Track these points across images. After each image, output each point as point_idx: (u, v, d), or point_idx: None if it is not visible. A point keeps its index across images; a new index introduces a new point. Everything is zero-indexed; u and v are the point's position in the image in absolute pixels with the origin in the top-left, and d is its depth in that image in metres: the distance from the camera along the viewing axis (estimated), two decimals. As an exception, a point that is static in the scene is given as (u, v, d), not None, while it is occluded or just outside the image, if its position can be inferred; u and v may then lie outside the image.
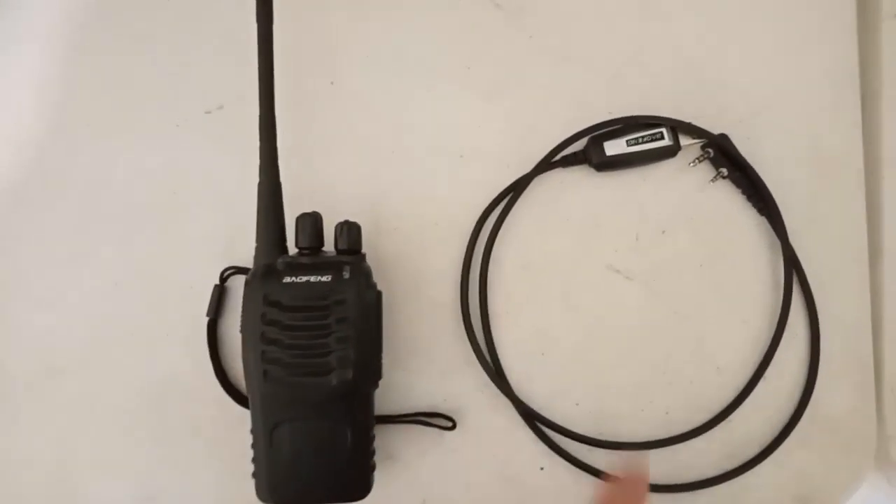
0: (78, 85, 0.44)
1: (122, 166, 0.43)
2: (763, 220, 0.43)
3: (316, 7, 0.44)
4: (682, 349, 0.42)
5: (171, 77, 0.44)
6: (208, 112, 0.43)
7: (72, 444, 0.41)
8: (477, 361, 0.41)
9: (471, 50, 0.44)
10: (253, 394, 0.35)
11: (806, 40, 0.45)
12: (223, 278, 0.41)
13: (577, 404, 0.42)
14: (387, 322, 0.39)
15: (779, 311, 0.42)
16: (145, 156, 0.43)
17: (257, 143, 0.38)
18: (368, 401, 0.37)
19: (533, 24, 0.45)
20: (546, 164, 0.42)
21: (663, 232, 0.43)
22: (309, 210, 0.38)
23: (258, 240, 0.38)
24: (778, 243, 0.42)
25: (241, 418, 0.37)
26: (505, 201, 0.42)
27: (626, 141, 0.42)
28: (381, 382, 0.38)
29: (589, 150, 0.42)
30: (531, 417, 0.41)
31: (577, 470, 0.41)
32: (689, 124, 0.42)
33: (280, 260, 0.36)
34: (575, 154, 0.42)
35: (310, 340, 0.35)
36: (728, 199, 0.43)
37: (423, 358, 0.42)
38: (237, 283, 0.41)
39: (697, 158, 0.43)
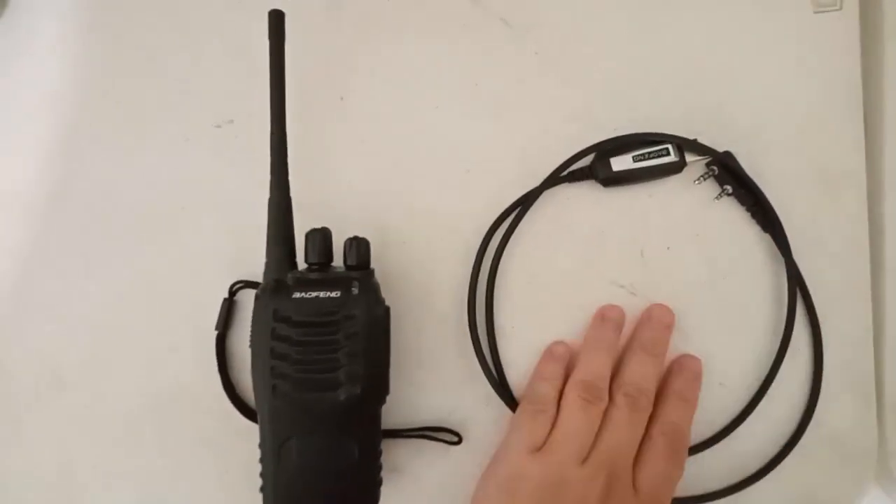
0: (88, 98, 0.44)
1: (132, 179, 0.43)
2: (767, 237, 0.43)
3: (326, 23, 0.45)
4: (687, 364, 0.42)
5: (182, 91, 0.44)
6: (218, 126, 0.44)
7: (77, 455, 0.41)
8: (483, 376, 0.41)
9: (479, 66, 0.45)
10: (262, 408, 0.36)
11: (810, 58, 0.45)
12: (232, 292, 0.41)
13: (581, 419, 0.42)
14: (394, 336, 0.39)
15: (782, 327, 0.42)
16: (155, 169, 0.43)
17: (267, 158, 0.38)
18: (376, 416, 0.37)
19: (540, 40, 0.45)
20: (553, 180, 0.42)
21: (668, 248, 0.43)
22: (318, 225, 0.38)
23: (268, 255, 0.38)
24: (781, 259, 0.42)
25: (249, 432, 0.37)
26: (512, 216, 0.42)
27: (633, 157, 0.42)
28: (387, 397, 0.38)
29: (595, 165, 0.42)
30: (536, 432, 0.41)
31: (582, 484, 0.41)
32: (694, 141, 0.42)
33: (290, 275, 0.36)
34: (582, 169, 0.43)
35: (319, 356, 0.35)
36: (732, 215, 0.43)
37: (429, 372, 0.42)
38: (245, 297, 0.42)
39: (702, 176, 0.43)
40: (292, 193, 0.39)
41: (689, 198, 0.44)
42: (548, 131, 0.44)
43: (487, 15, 0.45)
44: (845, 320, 0.43)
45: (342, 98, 0.44)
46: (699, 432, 0.42)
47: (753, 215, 0.43)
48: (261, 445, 0.36)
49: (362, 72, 0.44)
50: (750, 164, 0.43)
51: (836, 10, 0.45)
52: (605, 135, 0.43)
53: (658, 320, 0.41)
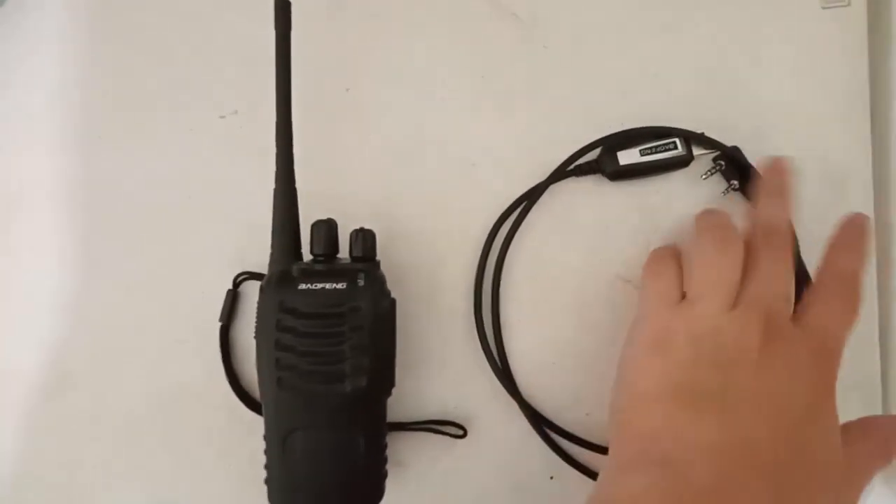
0: (91, 89, 0.44)
1: (136, 171, 0.43)
2: (774, 232, 0.43)
3: (332, 14, 0.45)
4: (693, 360, 0.42)
5: (186, 82, 0.44)
6: (223, 117, 0.43)
7: (84, 451, 0.41)
8: (489, 369, 0.41)
9: (486, 59, 0.44)
10: (266, 401, 0.35)
11: (817, 55, 0.45)
12: (236, 284, 0.41)
13: (587, 414, 0.42)
14: (399, 329, 0.39)
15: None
16: (159, 160, 0.43)
17: (272, 148, 0.38)
18: (381, 408, 0.37)
19: (548, 34, 0.45)
20: (560, 173, 0.42)
21: (675, 243, 0.43)
22: (324, 217, 0.38)
23: (273, 246, 0.38)
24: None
25: (253, 424, 0.37)
26: (519, 210, 0.42)
27: (640, 151, 0.42)
28: (393, 389, 0.38)
29: (602, 159, 0.42)
30: (542, 425, 0.41)
31: (588, 480, 0.41)
32: (701, 135, 0.42)
33: (295, 266, 0.36)
34: (588, 163, 0.43)
35: (324, 348, 0.35)
36: (739, 210, 0.43)
37: (434, 365, 0.42)
38: (250, 289, 0.41)
39: (709, 171, 0.43)
40: (297, 184, 0.38)
41: (697, 192, 0.43)
42: (554, 125, 0.44)
43: (495, 7, 0.45)
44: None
45: (348, 89, 0.44)
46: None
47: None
48: (265, 437, 0.36)
49: (368, 63, 0.44)
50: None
51: (845, 5, 0.45)
52: (611, 129, 0.43)
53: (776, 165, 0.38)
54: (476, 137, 0.44)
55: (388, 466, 0.37)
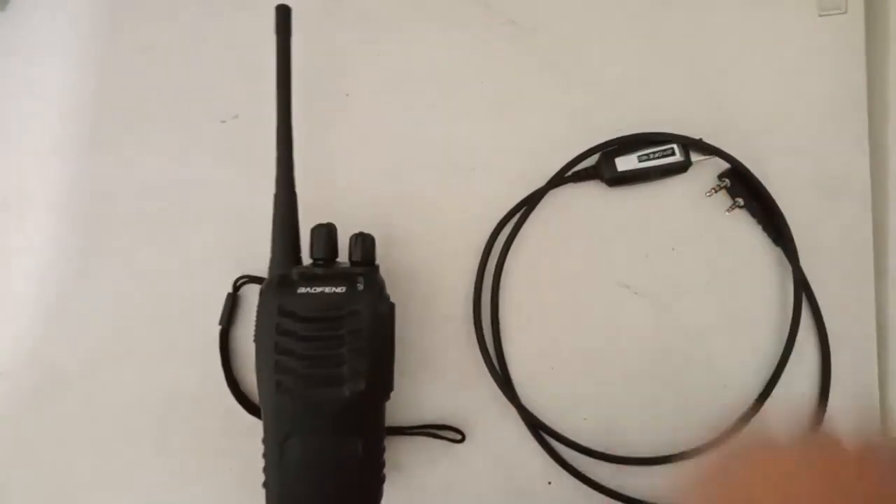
0: (92, 94, 0.44)
1: (136, 174, 0.43)
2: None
3: (331, 20, 0.45)
4: (691, 365, 0.42)
5: (187, 86, 0.44)
6: (223, 122, 0.44)
7: (80, 454, 0.41)
8: (487, 375, 0.41)
9: (484, 65, 0.45)
10: (265, 404, 0.35)
11: (814, 61, 0.45)
12: (236, 287, 0.41)
13: (584, 419, 0.42)
14: (398, 333, 0.39)
15: (787, 329, 0.42)
16: (159, 164, 0.43)
17: (272, 153, 0.38)
18: (380, 412, 0.37)
19: (546, 40, 0.45)
20: (559, 179, 0.42)
21: (673, 249, 0.43)
22: (323, 221, 0.38)
23: (273, 250, 0.38)
24: (787, 261, 0.42)
25: (252, 428, 0.37)
26: (518, 216, 0.42)
27: (638, 157, 0.42)
28: (391, 394, 0.38)
29: (601, 165, 0.42)
30: (539, 430, 0.41)
31: (584, 486, 0.41)
32: (699, 141, 0.43)
33: (295, 270, 0.36)
34: (587, 169, 0.43)
35: (323, 351, 0.35)
36: (737, 217, 0.43)
37: (433, 370, 0.42)
38: (249, 293, 0.42)
39: (714, 189, 0.43)
40: (297, 189, 0.38)
41: (694, 199, 0.44)
42: (553, 131, 0.44)
43: (494, 14, 0.45)
44: (849, 325, 0.43)
45: (347, 95, 0.44)
46: (703, 434, 0.41)
47: (764, 228, 0.43)
48: (264, 441, 0.36)
49: (368, 69, 0.44)
50: (753, 167, 0.43)
51: (842, 13, 0.45)
52: (610, 135, 0.43)
53: None
54: (475, 143, 0.44)
55: (387, 471, 0.37)
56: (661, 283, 0.43)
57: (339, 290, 0.36)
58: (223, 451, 0.41)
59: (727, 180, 0.43)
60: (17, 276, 0.43)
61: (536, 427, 0.41)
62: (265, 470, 0.36)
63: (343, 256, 0.38)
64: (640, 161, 0.42)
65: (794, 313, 0.42)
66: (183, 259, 0.42)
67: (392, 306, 0.38)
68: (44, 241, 0.43)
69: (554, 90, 0.45)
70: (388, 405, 0.38)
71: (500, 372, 0.41)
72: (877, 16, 0.45)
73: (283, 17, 0.39)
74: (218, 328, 0.41)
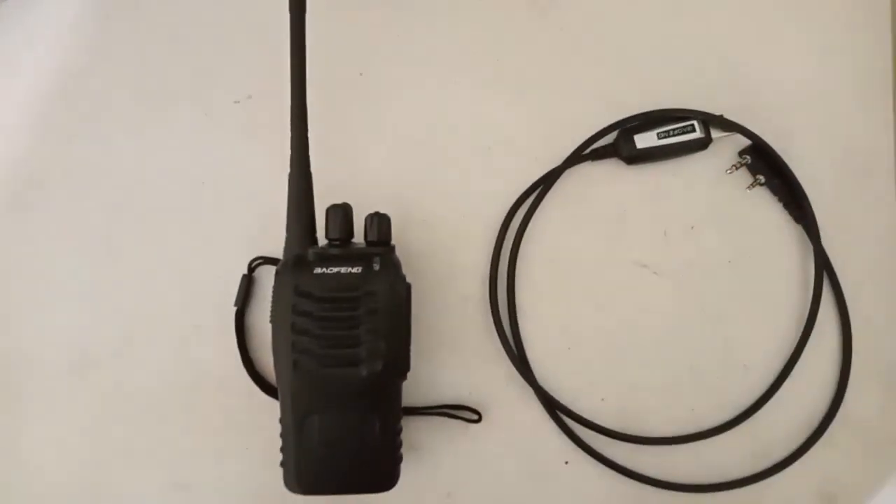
0: (106, 75, 0.44)
1: (151, 157, 0.43)
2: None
3: (346, -2, 0.44)
4: (710, 346, 0.42)
5: (201, 66, 0.44)
6: (237, 101, 0.43)
7: (105, 433, 0.41)
8: (503, 355, 0.41)
9: (501, 42, 0.44)
10: (283, 384, 0.35)
11: (839, 39, 0.44)
12: (251, 268, 0.41)
13: (602, 399, 0.41)
14: (414, 314, 0.38)
15: (807, 309, 0.41)
16: (174, 146, 0.43)
17: (286, 133, 0.38)
18: (397, 392, 0.37)
19: (564, 17, 0.44)
20: (576, 158, 0.42)
21: (692, 227, 0.43)
22: (339, 201, 0.38)
23: (288, 230, 0.38)
24: (808, 240, 0.42)
25: (270, 407, 0.37)
26: (534, 195, 0.42)
27: (657, 134, 0.42)
28: (408, 374, 0.38)
29: (619, 143, 0.42)
30: (556, 409, 0.41)
31: (602, 465, 0.41)
32: (720, 117, 0.42)
33: (311, 251, 0.36)
34: (605, 147, 0.42)
35: (340, 331, 0.35)
36: (757, 195, 0.43)
37: (449, 350, 0.42)
38: (265, 274, 0.42)
39: (735, 165, 0.42)
40: (312, 169, 0.38)
41: (714, 177, 0.43)
42: (570, 108, 0.43)
43: (510, -10, 0.44)
44: (871, 306, 0.42)
45: (361, 74, 0.44)
46: (721, 415, 0.41)
47: (786, 206, 0.42)
48: (281, 421, 0.36)
49: (382, 47, 0.44)
50: (775, 144, 0.42)
51: (868, -14, 0.44)
52: (628, 112, 0.42)
53: None
54: (491, 121, 0.43)
55: (403, 450, 0.37)
56: (680, 262, 0.42)
57: (355, 270, 0.35)
58: (243, 430, 0.41)
59: (748, 157, 0.42)
60: (39, 258, 0.43)
61: (553, 407, 0.41)
62: (283, 449, 0.36)
63: (359, 237, 0.38)
64: (659, 138, 0.42)
65: (814, 292, 0.41)
66: (199, 240, 0.42)
67: (408, 286, 0.38)
68: (61, 224, 0.43)
69: (571, 67, 0.44)
70: (405, 385, 0.38)
71: (516, 352, 0.41)
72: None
73: (297, -6, 0.38)
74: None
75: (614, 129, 0.42)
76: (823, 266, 0.41)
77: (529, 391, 0.41)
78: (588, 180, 0.43)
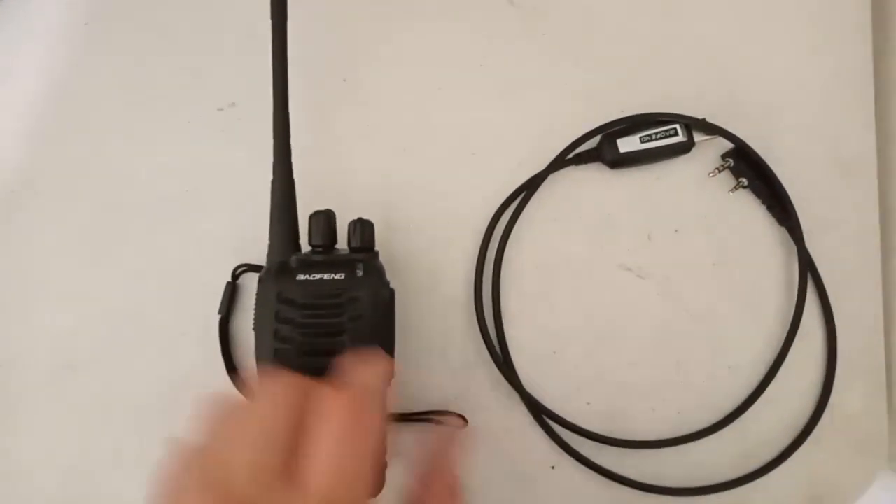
0: (89, 82, 0.44)
1: (133, 163, 0.43)
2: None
3: (329, 3, 0.44)
4: (695, 348, 0.42)
5: (184, 74, 0.44)
6: (220, 109, 0.43)
7: (87, 440, 0.41)
8: (489, 360, 0.41)
9: (484, 47, 0.44)
10: (266, 391, 0.35)
11: (821, 41, 0.44)
12: (235, 276, 0.41)
13: (588, 403, 0.41)
14: (399, 320, 0.38)
15: (792, 310, 0.41)
16: (157, 153, 0.43)
17: (270, 140, 0.38)
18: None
19: (547, 21, 0.44)
20: (560, 162, 0.42)
21: (676, 231, 0.43)
22: (322, 208, 0.38)
23: (271, 237, 0.37)
24: (792, 242, 0.42)
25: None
26: (518, 199, 0.42)
27: (640, 138, 0.42)
28: (392, 381, 0.38)
29: (603, 147, 0.42)
30: (542, 414, 0.41)
31: (588, 470, 0.40)
32: (702, 120, 0.42)
33: (294, 257, 0.36)
34: (588, 151, 0.42)
35: (323, 338, 0.35)
36: (741, 197, 0.43)
37: (435, 356, 0.42)
38: (249, 281, 0.41)
39: (717, 168, 0.43)
40: (295, 176, 0.38)
41: (698, 180, 0.43)
42: (554, 113, 0.43)
43: (493, -5, 0.44)
44: (856, 306, 0.42)
45: (345, 80, 0.44)
46: (707, 417, 0.41)
47: (769, 208, 0.42)
48: (265, 429, 0.36)
49: (365, 52, 0.44)
50: (759, 147, 0.42)
51: (848, -12, 0.44)
52: (611, 116, 0.43)
53: None
54: (475, 126, 0.43)
55: (389, 457, 0.37)
56: (664, 264, 0.42)
57: (338, 276, 0.35)
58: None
59: (731, 160, 0.42)
60: (22, 262, 0.42)
61: (539, 412, 0.41)
62: (267, 457, 0.36)
63: (342, 243, 0.38)
64: (641, 142, 0.42)
65: (799, 294, 0.41)
66: (182, 248, 0.42)
67: (392, 292, 0.38)
68: (44, 228, 0.43)
69: (554, 72, 0.44)
70: (390, 392, 0.38)
71: (502, 357, 0.41)
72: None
73: (279, 1, 0.38)
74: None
75: (597, 134, 0.42)
76: (808, 267, 0.42)
77: (515, 396, 0.41)
78: (572, 184, 0.43)
